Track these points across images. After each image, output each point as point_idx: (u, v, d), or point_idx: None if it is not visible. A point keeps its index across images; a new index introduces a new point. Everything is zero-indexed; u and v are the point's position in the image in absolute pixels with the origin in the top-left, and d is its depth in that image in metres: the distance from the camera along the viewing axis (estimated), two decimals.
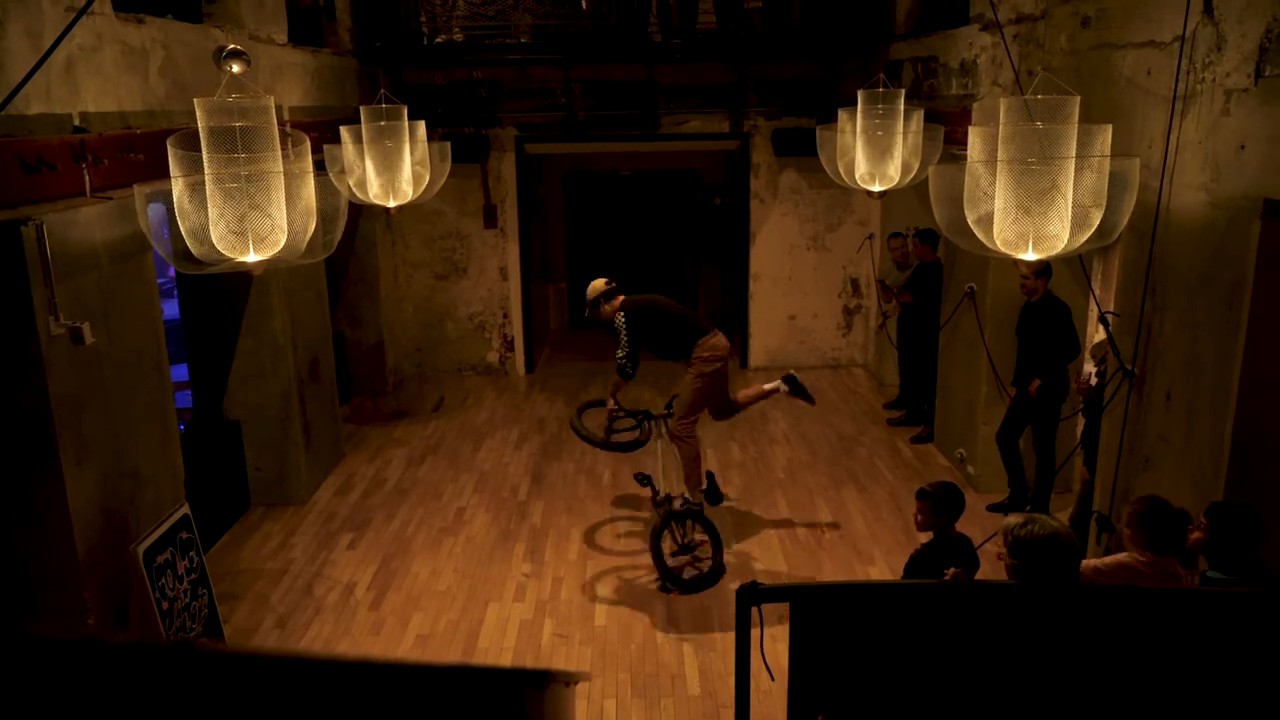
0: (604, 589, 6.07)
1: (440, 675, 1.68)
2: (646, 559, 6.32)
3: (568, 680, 3.02)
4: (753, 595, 2.59)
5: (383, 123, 5.39)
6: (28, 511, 4.40)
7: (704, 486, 6.28)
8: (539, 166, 11.59)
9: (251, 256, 3.46)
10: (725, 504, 6.87)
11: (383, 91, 5.56)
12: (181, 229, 3.46)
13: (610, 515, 7.08)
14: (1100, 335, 5.54)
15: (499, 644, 5.51)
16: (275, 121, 3.46)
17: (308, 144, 3.62)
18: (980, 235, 3.38)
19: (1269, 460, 4.07)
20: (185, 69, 5.60)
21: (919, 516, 4.28)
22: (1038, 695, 2.46)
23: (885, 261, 9.49)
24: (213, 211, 3.38)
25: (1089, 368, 6.03)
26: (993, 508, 6.90)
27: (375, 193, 5.52)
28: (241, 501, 7.23)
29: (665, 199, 12.43)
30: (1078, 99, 3.20)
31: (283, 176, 3.44)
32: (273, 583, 6.21)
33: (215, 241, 3.41)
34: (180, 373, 7.26)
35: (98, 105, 4.74)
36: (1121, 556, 3.70)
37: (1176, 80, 4.37)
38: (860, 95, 5.34)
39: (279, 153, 3.43)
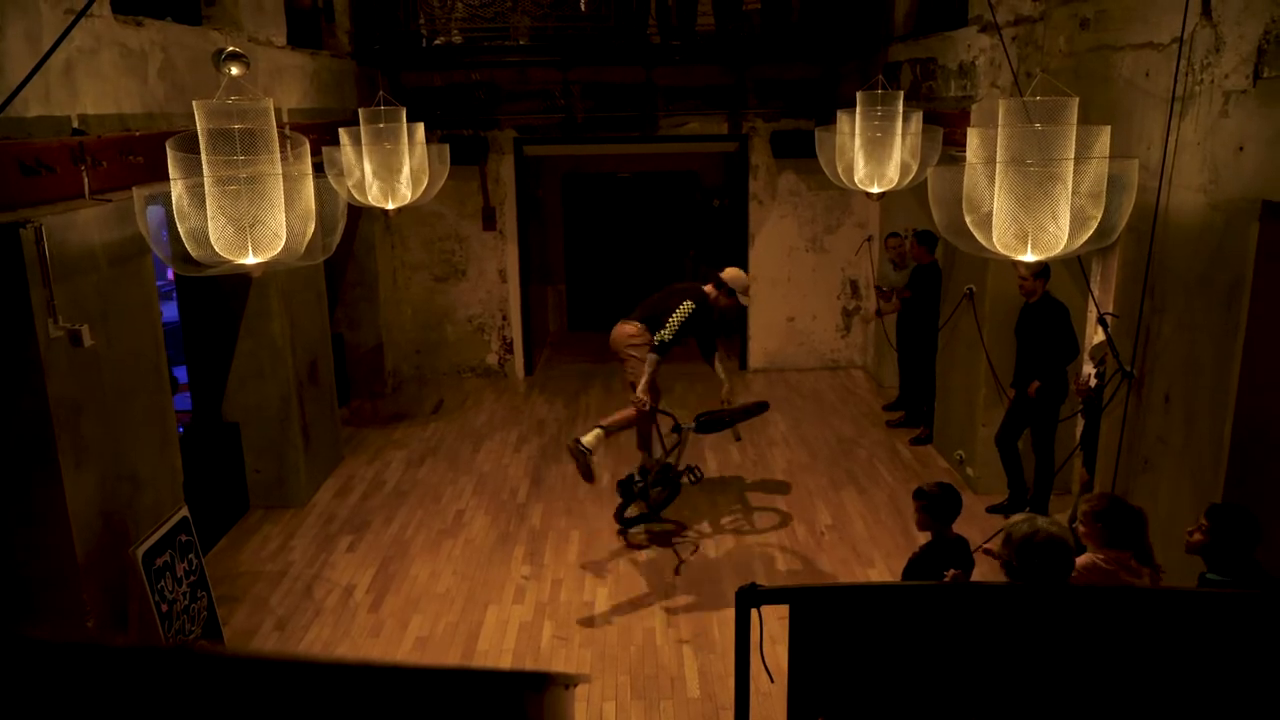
0: (603, 591, 6.07)
1: (439, 678, 1.67)
2: (646, 560, 6.32)
3: (567, 682, 3.02)
4: (752, 597, 2.59)
5: (381, 125, 5.38)
6: (27, 514, 4.39)
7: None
8: (538, 168, 11.59)
9: (250, 259, 3.46)
10: (724, 501, 6.87)
11: (381, 94, 5.56)
12: (180, 231, 3.46)
13: (610, 517, 7.07)
14: (1099, 337, 5.55)
15: (498, 646, 5.50)
16: (274, 124, 3.46)
17: (307, 146, 3.62)
18: (979, 236, 3.38)
19: (1268, 461, 4.07)
20: (184, 71, 5.61)
21: (917, 517, 4.31)
22: (1037, 696, 2.46)
23: (883, 263, 9.49)
24: (212, 214, 3.37)
25: (1088, 369, 6.03)
26: (992, 509, 6.91)
27: (374, 195, 5.52)
28: (240, 504, 7.22)
29: (664, 201, 12.44)
30: (1076, 100, 3.20)
31: (281, 179, 3.44)
32: (272, 585, 6.21)
33: (214, 244, 3.41)
34: (179, 375, 7.26)
35: (97, 108, 4.74)
36: (1084, 559, 3.73)
37: (1175, 82, 4.38)
38: (859, 97, 5.34)
39: (278, 155, 3.42)
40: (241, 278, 5.21)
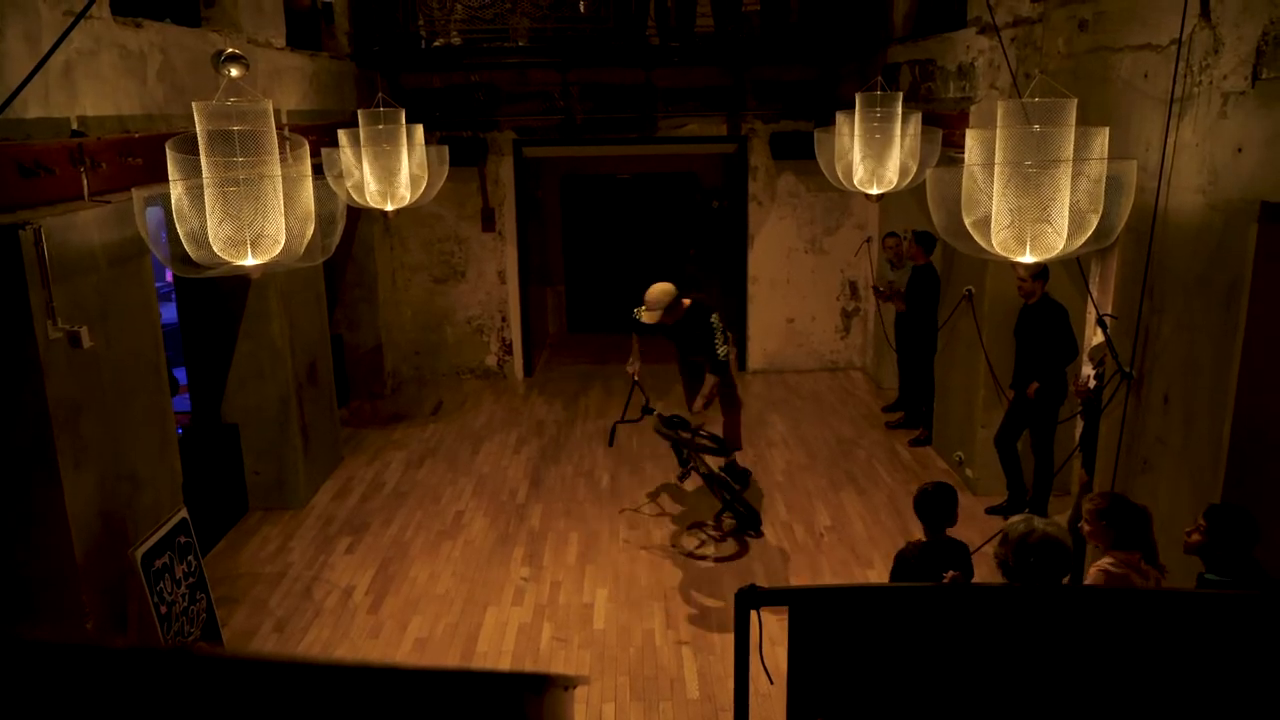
0: (603, 592, 6.07)
1: (439, 679, 1.67)
2: (645, 560, 6.32)
3: (566, 684, 3.01)
4: (751, 598, 2.59)
5: (381, 126, 5.38)
6: (26, 515, 4.39)
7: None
8: (537, 170, 11.60)
9: (250, 260, 3.45)
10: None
11: (380, 95, 5.55)
12: (179, 232, 3.46)
13: (609, 518, 7.07)
14: (1098, 338, 5.55)
15: (497, 647, 5.50)
16: (274, 125, 3.46)
17: (306, 147, 3.62)
18: (978, 238, 3.39)
19: (1267, 461, 4.07)
20: (183, 73, 5.61)
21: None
22: (1036, 697, 2.46)
23: (881, 263, 9.50)
24: (210, 215, 3.37)
25: (1087, 370, 6.03)
26: (991, 510, 6.91)
27: (373, 196, 5.52)
28: (240, 505, 7.22)
29: (663, 202, 12.44)
30: (1075, 102, 3.20)
31: (281, 180, 3.44)
32: (271, 586, 6.21)
33: (213, 245, 3.41)
34: (179, 376, 7.26)
35: (96, 109, 4.75)
36: (1093, 571, 3.69)
37: (1174, 83, 4.38)
38: (858, 98, 5.34)
39: (277, 156, 3.42)
40: (241, 279, 5.18)
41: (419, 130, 5.63)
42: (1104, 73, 5.14)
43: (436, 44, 9.25)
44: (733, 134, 10.27)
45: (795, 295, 10.68)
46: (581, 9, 9.26)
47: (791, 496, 7.44)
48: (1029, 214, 3.19)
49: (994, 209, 3.26)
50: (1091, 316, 6.28)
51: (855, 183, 5.45)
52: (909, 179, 5.39)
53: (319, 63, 8.09)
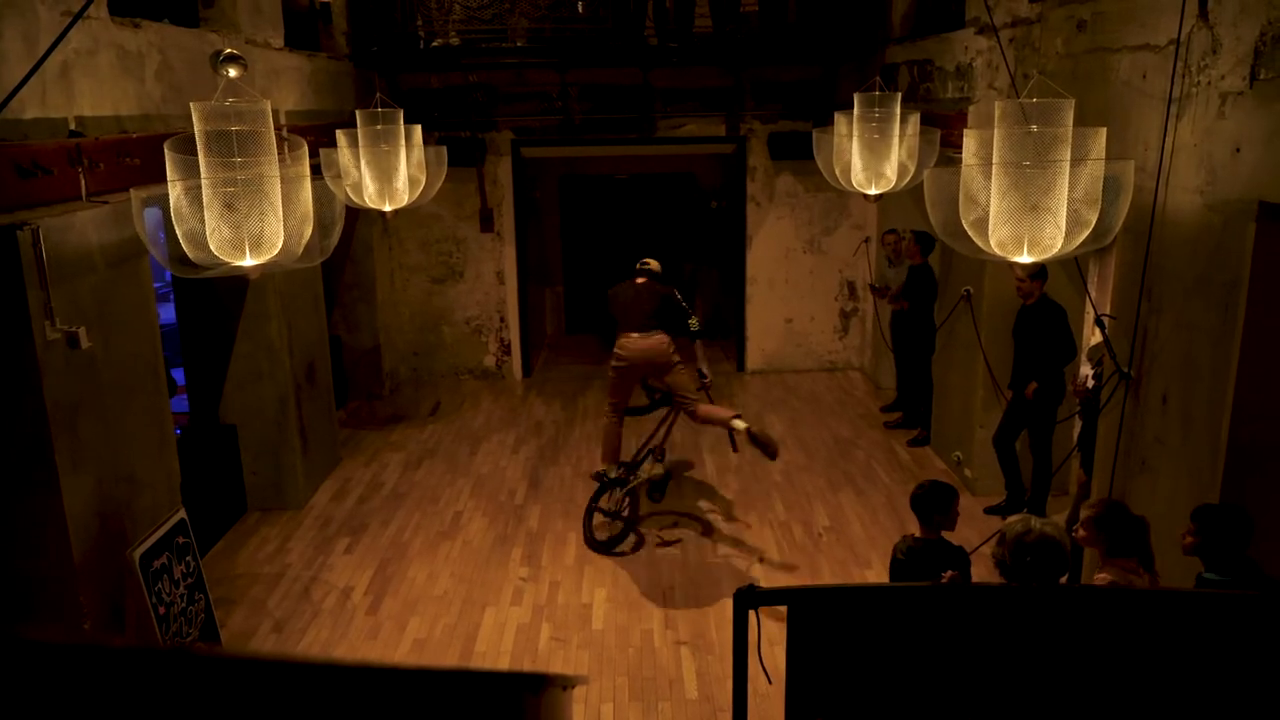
0: (601, 593, 6.07)
1: (437, 679, 1.67)
2: (644, 560, 6.32)
3: (565, 684, 3.01)
4: (750, 598, 2.59)
5: (379, 127, 5.38)
6: (24, 515, 4.39)
7: (608, 467, 6.78)
8: (535, 170, 11.59)
9: (248, 261, 3.45)
10: (722, 502, 6.87)
11: (379, 95, 5.55)
12: (178, 233, 3.45)
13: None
14: (1096, 338, 5.55)
15: (496, 648, 5.50)
16: (272, 126, 3.45)
17: (305, 148, 3.62)
18: (976, 238, 3.39)
19: (1266, 461, 4.08)
20: (181, 73, 5.60)
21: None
22: (1035, 697, 2.46)
23: (880, 262, 9.50)
24: (209, 216, 3.37)
25: (1085, 370, 6.04)
26: (990, 510, 6.91)
27: (371, 197, 5.51)
28: (238, 506, 7.22)
29: (662, 203, 12.44)
30: (1073, 102, 3.20)
31: (279, 181, 3.43)
32: (269, 587, 6.20)
33: (211, 246, 3.40)
34: (177, 377, 7.25)
35: (94, 109, 4.74)
36: (1097, 583, 3.69)
37: (1172, 83, 4.38)
38: (856, 98, 5.34)
39: (276, 157, 3.42)
40: (239, 280, 5.19)
41: (417, 131, 5.62)
42: (1102, 73, 5.14)
43: (435, 44, 9.24)
44: (731, 134, 10.27)
45: (794, 295, 10.68)
46: (580, 9, 9.26)
47: (790, 497, 7.44)
48: (1026, 214, 3.19)
49: (992, 209, 3.26)
50: (1090, 317, 6.28)
51: (853, 183, 5.46)
52: (907, 179, 5.40)
53: (317, 63, 8.09)
